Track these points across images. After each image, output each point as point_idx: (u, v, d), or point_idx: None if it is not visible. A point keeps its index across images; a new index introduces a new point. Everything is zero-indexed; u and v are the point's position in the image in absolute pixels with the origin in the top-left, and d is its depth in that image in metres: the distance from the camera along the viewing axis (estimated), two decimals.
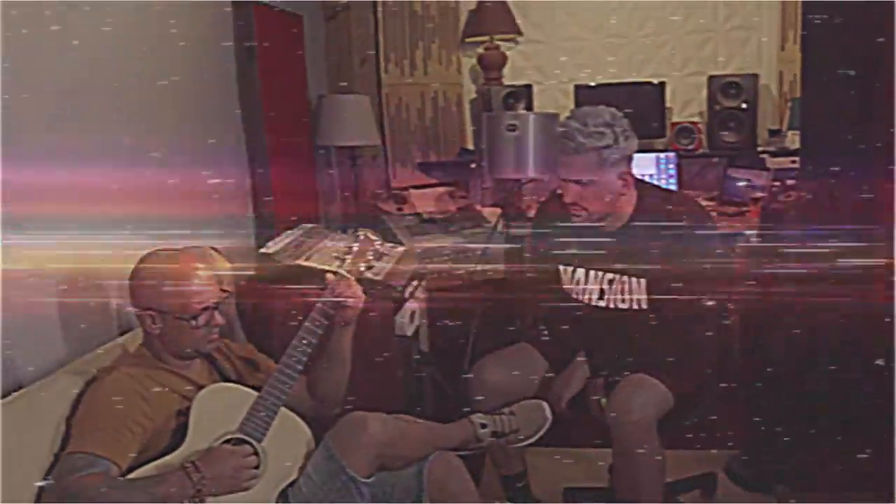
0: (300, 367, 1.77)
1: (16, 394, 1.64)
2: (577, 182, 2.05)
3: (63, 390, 1.68)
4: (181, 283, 1.71)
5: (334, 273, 1.81)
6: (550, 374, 2.26)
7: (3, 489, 1.45)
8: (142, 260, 1.76)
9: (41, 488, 1.50)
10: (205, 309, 1.72)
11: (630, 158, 2.09)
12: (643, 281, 2.13)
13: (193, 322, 1.70)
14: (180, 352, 1.76)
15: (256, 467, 1.64)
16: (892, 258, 1.95)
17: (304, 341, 1.79)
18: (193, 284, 1.72)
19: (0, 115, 1.45)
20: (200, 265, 1.75)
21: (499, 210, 3.65)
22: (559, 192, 2.15)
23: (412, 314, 2.74)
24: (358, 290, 1.84)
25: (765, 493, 2.57)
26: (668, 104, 4.06)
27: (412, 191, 3.88)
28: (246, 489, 1.61)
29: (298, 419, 1.77)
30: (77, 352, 1.88)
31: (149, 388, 1.67)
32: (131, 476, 1.55)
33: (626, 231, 2.14)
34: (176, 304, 1.70)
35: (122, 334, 2.02)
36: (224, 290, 1.79)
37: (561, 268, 2.26)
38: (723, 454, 2.75)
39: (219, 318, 1.75)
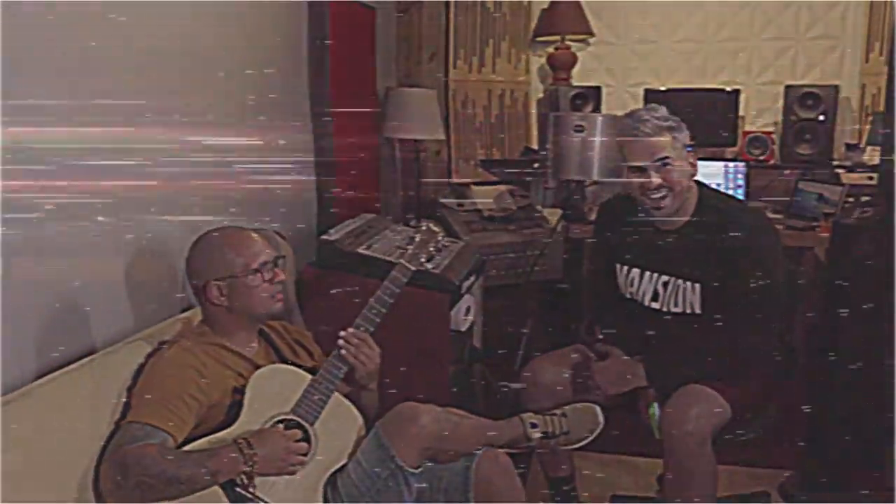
0: None
1: (85, 360, 1.69)
2: (661, 161, 2.03)
3: (127, 360, 1.73)
4: (239, 248, 1.76)
5: (344, 338, 1.80)
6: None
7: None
8: (196, 241, 1.81)
9: (101, 454, 1.54)
10: (265, 264, 1.75)
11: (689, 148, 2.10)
12: (697, 286, 2.09)
13: (260, 276, 1.74)
14: (248, 320, 1.79)
15: (306, 453, 1.66)
16: None
17: (361, 329, 1.81)
18: (250, 246, 1.76)
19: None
20: (250, 231, 1.82)
21: (560, 211, 3.63)
22: (626, 192, 2.15)
23: (467, 309, 2.73)
24: (375, 351, 1.82)
25: None
26: (741, 112, 3.96)
27: (473, 187, 3.87)
28: (294, 472, 1.63)
29: (351, 405, 1.79)
30: (143, 324, 1.94)
31: (206, 363, 1.70)
32: (186, 448, 1.58)
33: (684, 230, 2.11)
34: (240, 266, 1.74)
35: (185, 311, 2.07)
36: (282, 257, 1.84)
37: (617, 267, 2.24)
38: (778, 473, 2.69)
39: (280, 274, 1.79)
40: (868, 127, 3.90)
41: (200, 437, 1.63)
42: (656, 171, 2.05)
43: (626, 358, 2.15)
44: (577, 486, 2.38)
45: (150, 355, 1.74)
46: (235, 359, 1.78)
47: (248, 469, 1.55)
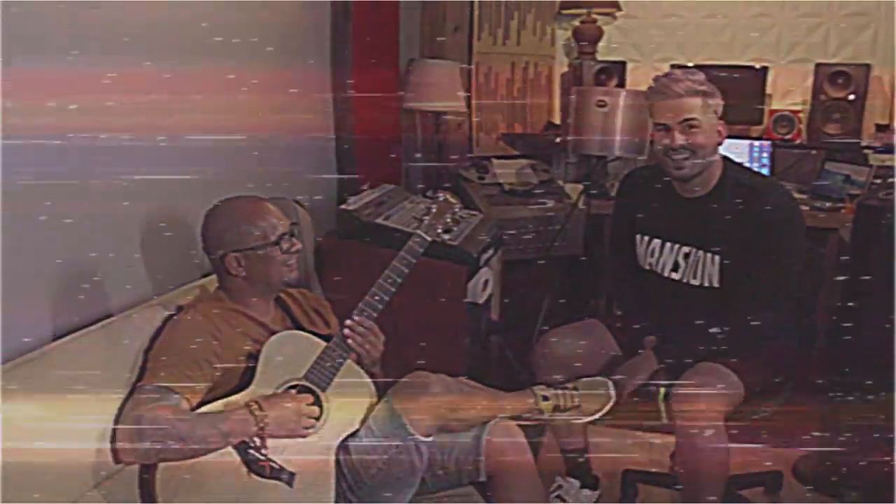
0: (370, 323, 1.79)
1: (102, 323, 1.72)
2: (687, 122, 2.02)
3: (144, 324, 1.75)
4: (257, 220, 1.77)
5: (349, 327, 1.80)
6: (617, 353, 2.23)
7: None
8: (210, 211, 1.82)
9: (118, 416, 1.57)
10: (282, 235, 1.77)
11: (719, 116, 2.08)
12: (717, 258, 2.08)
13: (277, 249, 1.76)
14: (265, 289, 1.81)
15: (318, 417, 1.67)
16: None
17: (376, 297, 1.82)
18: (267, 217, 1.78)
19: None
20: (265, 201, 1.83)
21: (581, 186, 3.61)
22: (649, 162, 2.14)
23: (485, 282, 2.74)
24: (380, 339, 1.84)
25: (834, 498, 2.48)
26: (768, 91, 3.89)
27: (494, 160, 3.86)
28: (305, 436, 1.65)
29: (363, 372, 1.80)
30: (160, 289, 1.97)
31: (222, 329, 1.72)
32: (199, 411, 1.61)
33: (707, 200, 2.09)
34: (258, 237, 1.76)
35: (205, 276, 2.09)
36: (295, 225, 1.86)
37: (638, 237, 2.23)
38: (792, 453, 2.68)
39: (297, 244, 1.81)
40: None
41: (214, 400, 1.65)
42: (681, 132, 2.03)
43: (638, 355, 2.14)
44: (590, 459, 2.39)
45: (167, 320, 1.77)
46: (251, 324, 1.80)
47: (258, 431, 1.58)
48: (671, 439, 2.08)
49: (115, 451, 1.55)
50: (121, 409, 1.58)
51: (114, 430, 1.55)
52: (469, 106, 3.97)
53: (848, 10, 3.91)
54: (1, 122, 1.48)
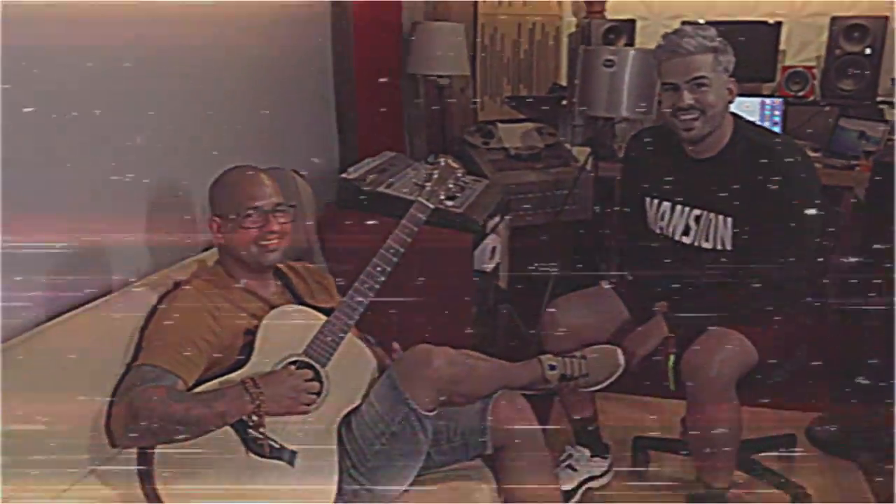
0: (371, 295, 1.75)
1: (101, 300, 1.69)
2: (696, 81, 1.95)
3: (141, 301, 1.71)
4: (242, 187, 1.74)
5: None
6: (627, 320, 2.18)
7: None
8: (217, 177, 1.79)
9: (112, 396, 1.54)
10: (255, 208, 1.71)
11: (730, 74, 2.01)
12: (729, 220, 2.02)
13: (250, 220, 1.71)
14: (244, 262, 1.76)
15: (318, 393, 1.64)
16: None
17: (378, 269, 1.76)
18: (252, 187, 1.73)
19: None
20: (258, 172, 1.78)
21: (588, 149, 3.53)
22: (658, 122, 2.07)
23: (492, 250, 2.68)
24: None
25: (847, 459, 2.45)
26: (781, 46, 3.78)
27: (499, 125, 3.78)
28: (304, 412, 1.61)
29: (364, 346, 1.77)
30: (161, 264, 1.93)
31: (220, 305, 1.68)
32: (195, 391, 1.57)
33: (718, 160, 2.02)
34: (234, 205, 1.72)
35: (206, 250, 2.06)
36: (290, 206, 1.80)
37: (647, 200, 2.17)
38: (805, 416, 2.64)
39: (275, 225, 1.73)
40: None
41: (212, 379, 1.61)
42: (690, 91, 1.95)
43: (649, 322, 2.08)
44: (599, 427, 2.36)
45: (163, 297, 1.73)
46: (251, 299, 1.76)
47: (255, 409, 1.54)
48: (681, 403, 2.04)
49: (109, 434, 1.52)
50: (115, 390, 1.55)
51: (108, 412, 1.52)
52: (474, 69, 3.89)
53: None
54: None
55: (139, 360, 1.57)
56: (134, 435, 1.48)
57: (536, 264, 3.23)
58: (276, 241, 1.74)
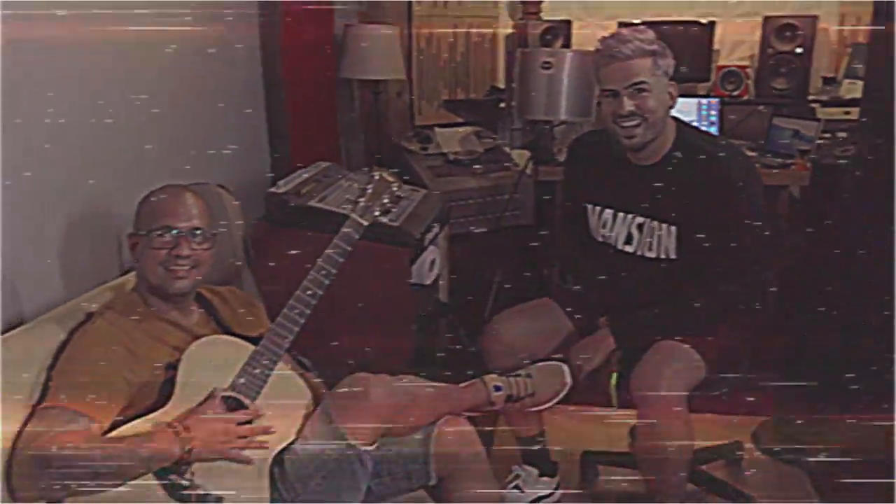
0: (301, 321, 1.64)
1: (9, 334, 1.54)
2: (636, 86, 1.88)
3: (48, 336, 1.57)
4: (158, 205, 1.61)
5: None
6: (571, 332, 2.12)
7: None
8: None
9: (13, 445, 1.38)
10: (166, 228, 1.58)
11: (670, 77, 1.95)
12: (674, 229, 1.96)
13: (159, 241, 1.58)
14: (156, 289, 1.63)
15: (244, 434, 1.52)
16: None
17: (309, 292, 1.66)
18: (167, 206, 1.60)
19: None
20: (185, 190, 1.65)
21: (527, 153, 3.48)
22: (599, 126, 2.01)
23: (431, 262, 2.60)
24: None
25: (794, 465, 2.43)
26: (716, 46, 3.79)
27: (437, 129, 3.69)
28: (236, 458, 1.49)
29: (298, 378, 1.65)
30: (76, 291, 1.77)
31: (136, 338, 1.55)
32: (114, 434, 1.43)
33: (660, 167, 1.97)
34: (144, 222, 1.61)
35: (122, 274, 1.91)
36: (213, 234, 1.66)
37: (589, 208, 2.10)
38: (751, 421, 2.62)
39: (185, 250, 1.59)
40: (845, 59, 3.76)
41: (131, 419, 1.48)
42: (630, 98, 1.89)
43: (595, 335, 2.02)
44: (547, 444, 2.29)
45: (73, 330, 1.58)
46: (171, 330, 1.62)
47: (183, 454, 1.42)
48: (630, 412, 1.98)
49: (10, 488, 1.36)
50: (17, 437, 1.38)
51: (8, 463, 1.36)
52: (409, 73, 3.80)
53: None
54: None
55: (46, 402, 1.42)
56: (42, 487, 1.34)
57: (478, 274, 3.16)
58: (185, 268, 1.60)
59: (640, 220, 2.02)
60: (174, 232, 1.59)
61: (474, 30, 4.07)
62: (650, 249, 2.02)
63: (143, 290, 1.65)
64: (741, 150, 2.07)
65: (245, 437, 1.50)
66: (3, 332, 1.54)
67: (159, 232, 1.58)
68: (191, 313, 1.70)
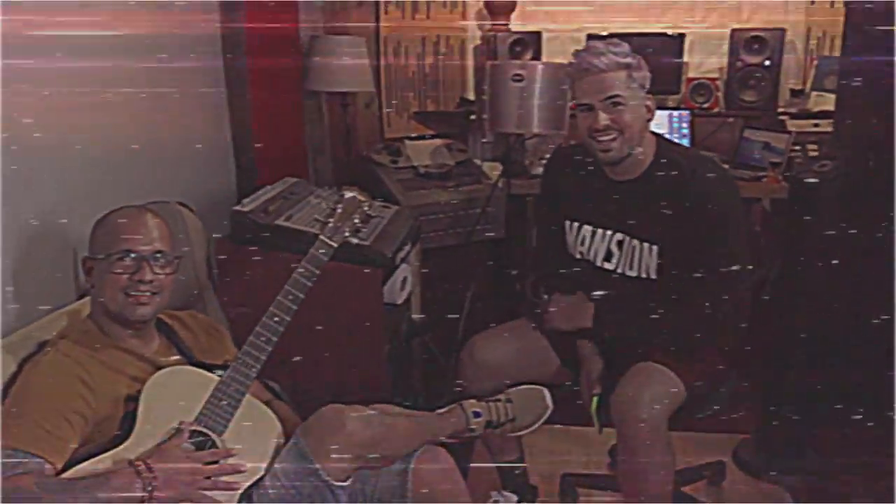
0: (269, 349, 1.56)
1: None
2: (611, 100, 1.84)
3: None
4: (117, 227, 1.52)
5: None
6: (550, 355, 2.07)
7: None
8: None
9: None
10: (127, 252, 1.50)
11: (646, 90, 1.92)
12: (655, 248, 1.92)
13: (120, 265, 1.49)
14: (114, 316, 1.54)
15: (211, 474, 1.43)
16: None
17: (276, 318, 1.58)
18: (126, 228, 1.52)
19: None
20: (145, 211, 1.58)
21: (499, 166, 3.43)
22: (572, 142, 1.96)
23: (403, 280, 2.52)
24: None
25: (775, 484, 2.40)
26: (685, 58, 3.79)
27: (407, 142, 3.62)
28: (201, 500, 1.39)
29: (267, 409, 1.57)
30: (25, 318, 1.65)
31: (92, 370, 1.46)
32: (69, 474, 1.34)
33: (640, 183, 1.93)
34: (102, 245, 1.52)
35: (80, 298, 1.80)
36: (176, 258, 1.58)
37: (566, 224, 2.05)
38: (731, 438, 2.59)
39: (149, 274, 1.51)
40: (813, 72, 3.77)
41: (89, 457, 1.38)
42: (605, 111, 1.85)
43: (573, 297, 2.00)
44: (526, 468, 2.22)
45: (23, 362, 1.47)
46: (130, 360, 1.53)
47: (146, 497, 1.32)
48: (610, 432, 1.92)
49: None
50: None
51: None
52: (378, 85, 3.73)
53: None
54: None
55: None
56: None
57: (450, 289, 3.09)
58: (147, 294, 1.51)
59: (619, 236, 1.97)
60: (134, 256, 1.49)
61: (442, 40, 4.02)
62: (631, 268, 1.97)
63: (100, 316, 1.56)
64: (719, 164, 2.04)
65: (211, 477, 1.41)
66: None
67: (119, 256, 1.49)
68: (151, 341, 1.60)
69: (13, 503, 1.24)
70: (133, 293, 1.50)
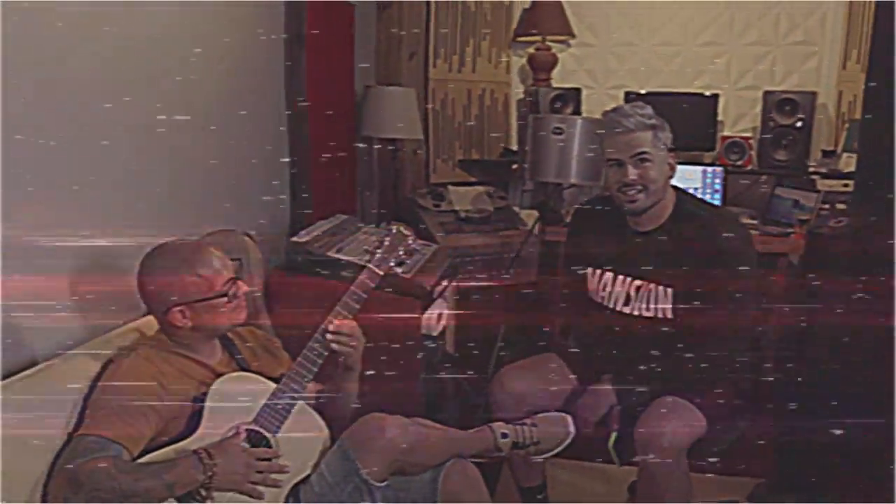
0: (320, 362, 1.74)
1: (30, 370, 1.62)
2: (639, 157, 2.03)
3: (79, 370, 1.66)
4: (199, 268, 1.67)
5: (334, 332, 1.77)
6: (575, 387, 2.21)
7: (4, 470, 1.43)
8: (146, 258, 1.70)
9: (51, 469, 1.48)
10: (229, 281, 1.70)
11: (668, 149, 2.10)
12: (669, 290, 2.07)
13: (224, 299, 1.68)
14: (212, 334, 1.74)
15: (263, 471, 1.60)
16: None
17: (318, 345, 1.77)
18: (210, 265, 1.68)
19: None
20: (210, 247, 1.74)
21: (536, 213, 3.60)
22: (605, 192, 2.16)
23: (440, 315, 2.70)
24: (358, 332, 1.79)
25: None
26: (719, 117, 3.95)
27: (451, 188, 3.83)
28: (251, 493, 1.57)
29: (316, 415, 1.74)
30: (92, 332, 1.84)
31: (166, 373, 1.65)
32: (142, 460, 1.53)
33: (659, 233, 2.09)
34: (203, 289, 1.67)
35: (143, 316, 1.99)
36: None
37: (589, 271, 2.21)
38: (748, 482, 2.67)
39: (243, 286, 1.73)
40: (844, 134, 3.90)
41: (160, 447, 1.57)
42: (633, 167, 2.03)
43: (598, 387, 2.11)
44: (548, 496, 2.35)
45: (106, 364, 1.68)
46: (196, 367, 1.73)
47: (206, 481, 1.50)
48: (630, 469, 2.05)
49: None
50: (54, 462, 1.49)
51: (45, 485, 1.46)
52: (426, 132, 3.96)
53: (793, 39, 4.01)
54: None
55: (82, 430, 1.51)
56: None
57: (483, 328, 3.24)
58: (244, 301, 1.74)
59: (637, 282, 2.13)
60: (232, 281, 1.70)
61: (487, 93, 4.23)
62: (647, 309, 2.12)
63: (173, 332, 1.74)
64: (737, 217, 2.20)
65: (262, 472, 1.59)
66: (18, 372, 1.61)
67: (222, 291, 1.67)
68: (215, 352, 1.80)
69: (92, 482, 1.42)
70: (236, 308, 1.73)
